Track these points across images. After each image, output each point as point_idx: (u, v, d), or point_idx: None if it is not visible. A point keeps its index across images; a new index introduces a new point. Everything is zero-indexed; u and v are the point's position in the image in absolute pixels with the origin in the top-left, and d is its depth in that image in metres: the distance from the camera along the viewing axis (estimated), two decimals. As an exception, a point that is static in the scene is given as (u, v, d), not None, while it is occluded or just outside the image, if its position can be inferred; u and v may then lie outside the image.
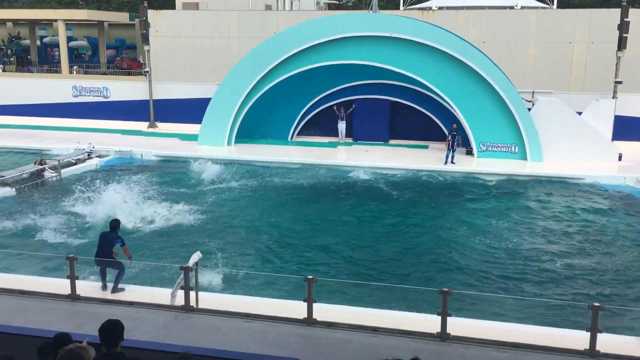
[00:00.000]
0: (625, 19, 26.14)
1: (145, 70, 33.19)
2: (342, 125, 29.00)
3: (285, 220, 17.87)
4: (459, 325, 9.45)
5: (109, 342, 5.51)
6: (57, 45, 42.68)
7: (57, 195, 20.37)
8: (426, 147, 28.05)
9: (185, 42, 33.59)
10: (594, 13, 30.12)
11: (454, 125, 25.02)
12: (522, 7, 35.78)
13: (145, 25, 32.15)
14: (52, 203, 19.21)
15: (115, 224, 12.26)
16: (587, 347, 8.77)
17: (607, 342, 9.01)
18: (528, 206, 19.83)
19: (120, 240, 11.87)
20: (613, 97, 26.89)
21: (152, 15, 33.35)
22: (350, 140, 29.37)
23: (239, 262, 14.42)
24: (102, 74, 39.23)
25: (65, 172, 23.41)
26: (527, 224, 17.83)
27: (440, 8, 35.77)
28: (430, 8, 35.26)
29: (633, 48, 27.38)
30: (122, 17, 47.86)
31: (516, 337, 9.38)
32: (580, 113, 25.90)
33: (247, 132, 28.62)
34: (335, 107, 28.81)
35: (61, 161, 23.60)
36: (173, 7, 41.90)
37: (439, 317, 9.17)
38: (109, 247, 11.70)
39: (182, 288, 10.24)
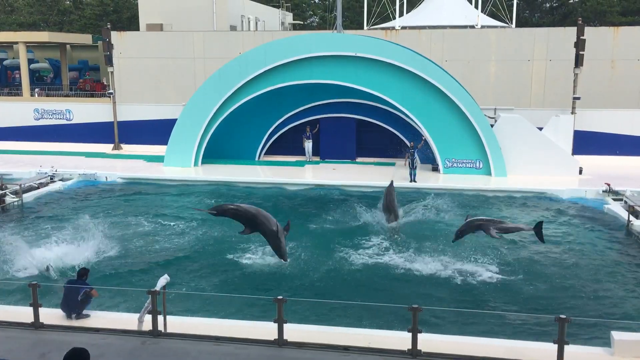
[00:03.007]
0: (581, 37, 27.01)
1: (109, 91, 32.85)
2: (308, 144, 29.12)
3: (253, 239, 17.73)
4: (429, 342, 9.50)
5: (75, 371, 5.37)
6: (18, 68, 41.93)
7: (19, 220, 19.88)
8: (393, 164, 28.33)
9: (149, 63, 33.38)
10: (551, 31, 31.03)
11: (411, 143, 25.31)
12: (483, 27, 36.65)
13: (109, 46, 31.89)
14: (14, 228, 18.71)
15: (83, 272, 11.80)
16: (555, 358, 8.89)
17: (574, 353, 9.16)
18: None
19: (87, 289, 11.31)
20: (572, 113, 27.67)
21: (116, 36, 33.10)
22: (317, 158, 29.49)
23: (207, 285, 14.25)
24: (65, 96, 38.63)
25: (28, 196, 22.88)
26: (488, 238, 17.98)
27: (404, 28, 36.38)
28: (393, 28, 35.85)
29: (589, 65, 28.26)
30: (85, 38, 47.31)
31: (486, 351, 9.48)
32: (541, 129, 26.53)
33: (213, 152, 28.48)
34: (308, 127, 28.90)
35: (23, 185, 23.06)
36: (137, 28, 41.67)
37: (410, 334, 9.21)
38: (75, 296, 11.29)
39: (149, 312, 10.06)
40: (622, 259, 16.29)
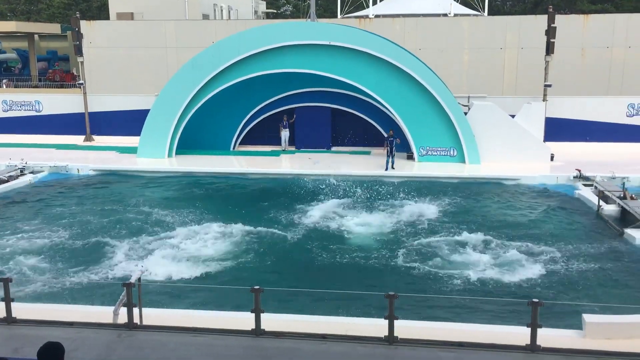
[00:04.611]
0: (552, 25, 27.31)
1: (80, 82, 32.28)
2: (285, 133, 29.02)
3: (228, 230, 17.68)
4: (406, 328, 9.58)
5: (49, 365, 5.30)
6: (-16, 58, 41.00)
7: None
8: (368, 153, 28.41)
9: (120, 53, 32.87)
10: (522, 20, 31.35)
11: (391, 131, 25.45)
12: (455, 15, 36.84)
13: (78, 36, 31.30)
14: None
15: None
16: (529, 342, 9.05)
17: (547, 336, 9.33)
18: (466, 207, 20.30)
19: None
20: (543, 100, 28.02)
21: (85, 26, 32.50)
22: (292, 148, 29.42)
23: (184, 275, 14.17)
24: (34, 87, 37.89)
25: (-3, 190, 22.42)
26: (463, 224, 18.20)
27: (377, 16, 36.40)
28: (367, 16, 35.86)
29: (560, 52, 28.61)
30: (54, 28, 46.40)
31: (461, 336, 9.59)
32: (513, 116, 26.84)
33: (188, 143, 28.21)
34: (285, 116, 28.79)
35: (-8, 179, 22.61)
36: (107, 17, 40.99)
37: (386, 321, 9.27)
38: None
39: (124, 305, 9.96)
40: (593, 243, 16.60)
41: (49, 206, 20.67)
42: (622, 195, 19.19)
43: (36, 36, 45.40)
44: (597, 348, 9.22)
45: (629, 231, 16.86)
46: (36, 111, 33.45)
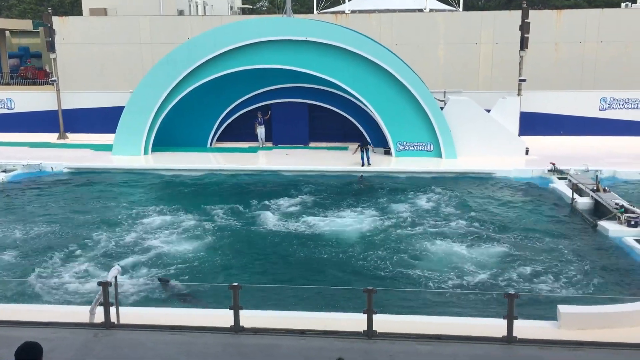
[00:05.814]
0: (526, 20, 27.62)
1: (53, 79, 31.78)
2: (261, 130, 28.93)
3: (206, 227, 17.60)
4: (384, 322, 9.64)
5: (26, 366, 5.24)
6: (-47, 55, 40.15)
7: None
8: (345, 148, 28.46)
9: (94, 49, 32.44)
10: (497, 15, 31.67)
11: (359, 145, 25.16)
12: (431, 10, 37.05)
13: (51, 32, 30.79)
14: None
15: None
16: (505, 334, 9.17)
17: (523, 327, 9.47)
18: (442, 201, 20.44)
19: None
20: (518, 95, 28.34)
21: (58, 22, 31.99)
22: (270, 144, 29.35)
23: (160, 273, 14.07)
24: (6, 84, 37.22)
25: (-32, 189, 22.00)
26: (440, 218, 18.37)
27: (353, 12, 36.44)
28: (343, 12, 35.87)
29: (534, 47, 28.95)
30: (25, 24, 45.66)
31: (439, 329, 9.68)
32: (489, 110, 27.10)
33: (164, 140, 27.95)
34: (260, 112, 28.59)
35: (-37, 178, 22.17)
36: (80, 13, 40.42)
37: (365, 315, 9.32)
38: None
39: (101, 304, 9.86)
40: (568, 235, 16.87)
41: (22, 205, 20.34)
42: (595, 188, 19.52)
43: (7, 32, 44.57)
44: (572, 338, 9.39)
45: (602, 223, 17.16)
46: (8, 109, 32.84)
